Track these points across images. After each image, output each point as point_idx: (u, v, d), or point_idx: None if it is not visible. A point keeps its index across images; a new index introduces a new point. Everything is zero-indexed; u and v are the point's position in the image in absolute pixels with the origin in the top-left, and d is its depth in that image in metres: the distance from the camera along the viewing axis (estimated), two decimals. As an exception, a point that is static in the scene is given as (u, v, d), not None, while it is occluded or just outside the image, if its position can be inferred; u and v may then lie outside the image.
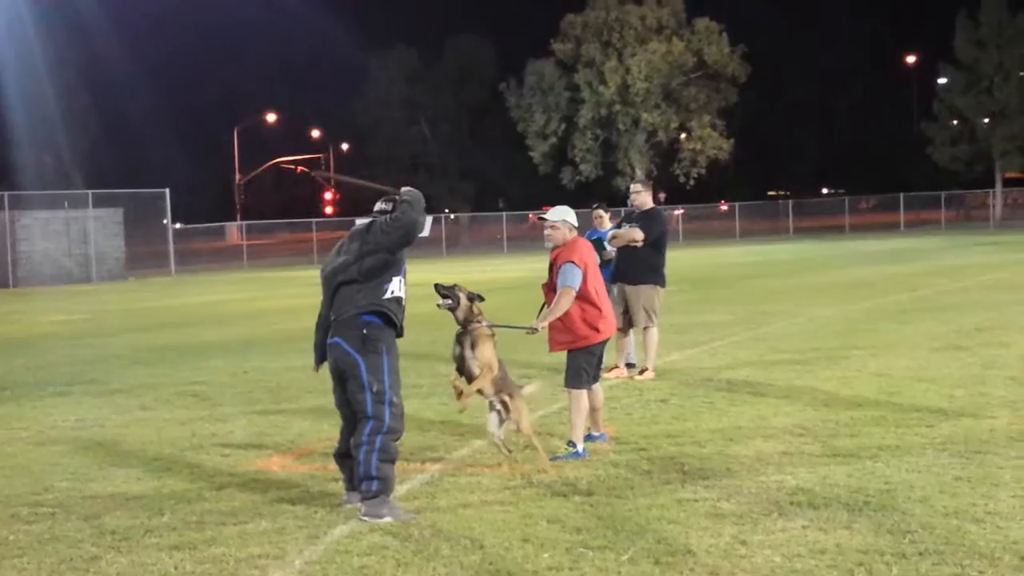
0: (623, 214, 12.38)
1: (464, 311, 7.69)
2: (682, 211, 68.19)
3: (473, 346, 7.64)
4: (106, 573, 5.82)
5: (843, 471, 7.35)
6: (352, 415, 6.92)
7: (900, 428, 8.64)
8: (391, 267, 6.89)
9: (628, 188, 12.53)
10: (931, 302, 19.04)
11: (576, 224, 8.55)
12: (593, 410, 8.51)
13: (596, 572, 5.54)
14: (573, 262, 8.20)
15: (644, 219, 11.82)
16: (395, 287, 6.91)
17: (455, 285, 7.81)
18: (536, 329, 8.17)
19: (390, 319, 6.87)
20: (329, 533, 6.37)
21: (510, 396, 7.82)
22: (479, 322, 7.70)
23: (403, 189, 6.95)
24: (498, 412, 7.84)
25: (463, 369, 7.70)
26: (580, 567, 5.62)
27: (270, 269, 48.04)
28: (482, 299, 7.85)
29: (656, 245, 11.80)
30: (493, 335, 7.75)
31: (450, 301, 7.69)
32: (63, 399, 11.91)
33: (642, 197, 11.97)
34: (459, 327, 7.74)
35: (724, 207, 72.16)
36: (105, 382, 13.12)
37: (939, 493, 6.74)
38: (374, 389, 6.75)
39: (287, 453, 8.69)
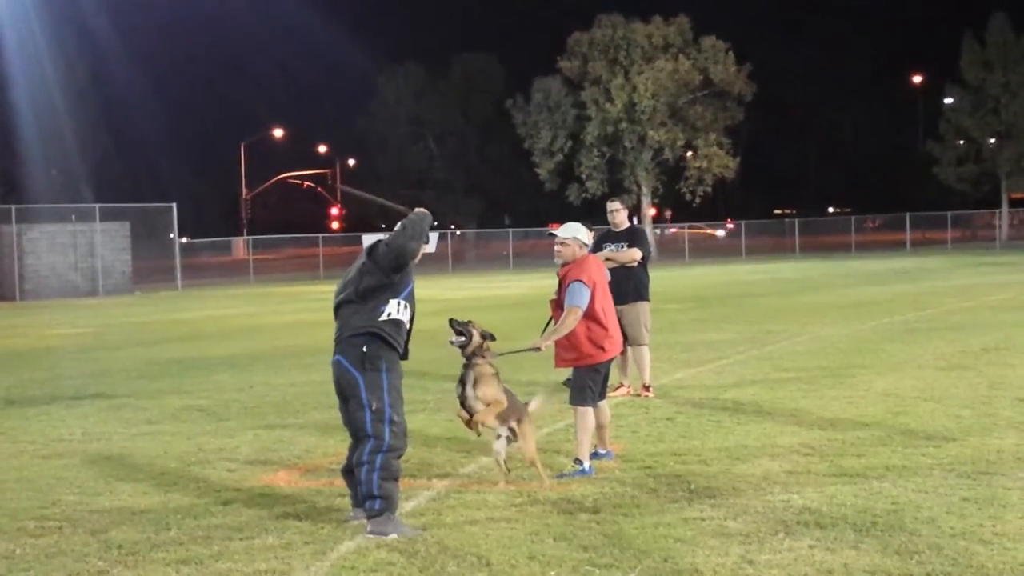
0: (602, 234, 11.85)
1: (474, 347, 7.69)
2: (731, 225, 68.26)
3: (475, 385, 7.64)
4: (112, 587, 5.83)
5: (850, 491, 7.34)
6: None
7: (907, 448, 8.62)
8: (388, 289, 6.88)
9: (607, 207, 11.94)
10: (937, 322, 19.02)
11: (587, 241, 8.58)
12: (600, 427, 8.51)
13: (603, 590, 5.54)
14: (582, 281, 8.21)
15: (633, 237, 11.74)
16: (392, 309, 6.88)
17: (469, 322, 7.80)
18: (540, 348, 8.22)
19: (387, 342, 6.88)
20: (335, 549, 6.37)
21: (518, 421, 7.81)
22: (483, 357, 7.69)
23: (415, 210, 6.99)
24: (507, 438, 7.85)
25: (466, 407, 7.70)
26: (587, 585, 5.61)
27: (276, 284, 48.08)
28: (494, 338, 7.84)
29: (644, 262, 11.78)
30: (496, 372, 7.73)
31: (463, 339, 7.68)
32: (69, 412, 11.92)
33: (622, 215, 11.79)
34: (463, 360, 7.74)
35: (730, 225, 72.13)
36: (111, 396, 13.13)
37: (946, 514, 6.73)
38: (373, 407, 6.75)
39: (293, 468, 8.69)
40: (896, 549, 6.04)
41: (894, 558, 5.90)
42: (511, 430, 7.79)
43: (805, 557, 5.96)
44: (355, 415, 6.83)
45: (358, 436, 6.87)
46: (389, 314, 6.87)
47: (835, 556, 5.95)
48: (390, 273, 6.88)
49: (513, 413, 7.80)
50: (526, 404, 8.12)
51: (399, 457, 6.86)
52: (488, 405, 7.61)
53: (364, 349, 6.79)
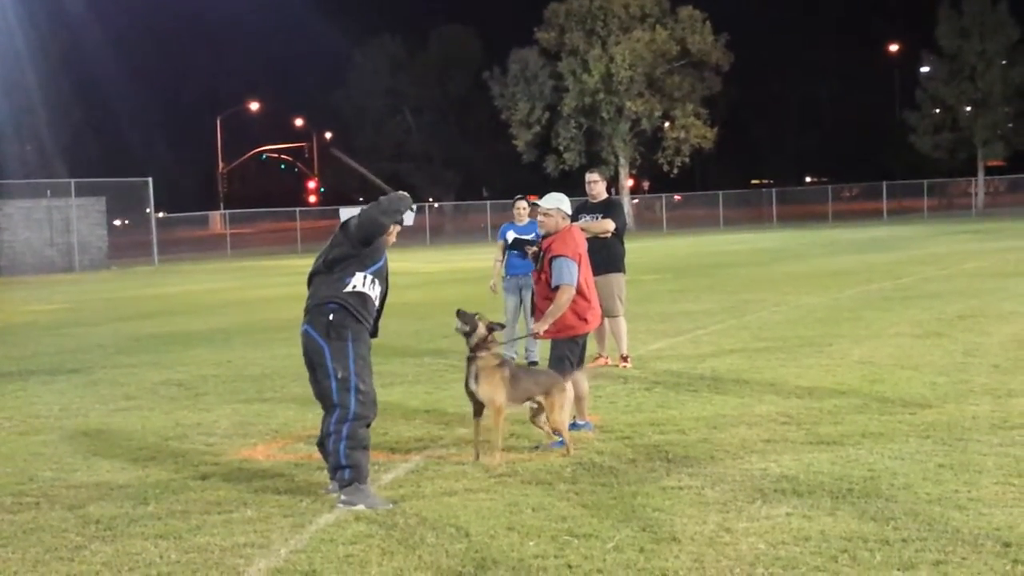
0: (578, 205, 11.93)
1: (478, 338, 7.65)
2: (679, 197, 68.26)
3: (477, 379, 7.61)
4: (91, 563, 5.80)
5: (827, 458, 7.38)
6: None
7: (883, 415, 8.68)
8: (354, 261, 6.88)
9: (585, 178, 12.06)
10: (913, 290, 19.12)
11: (569, 212, 8.58)
12: (578, 399, 8.52)
13: (581, 560, 5.55)
14: (568, 256, 8.20)
15: (609, 209, 11.74)
16: (358, 282, 6.87)
17: (476, 314, 7.77)
18: (539, 333, 8.25)
19: (352, 314, 6.86)
20: (314, 522, 6.37)
21: (546, 394, 7.80)
22: (487, 349, 7.65)
23: (397, 192, 6.99)
24: (532, 408, 7.89)
25: (475, 401, 7.68)
26: (565, 555, 5.63)
27: (253, 258, 47.88)
28: (501, 327, 7.85)
29: (620, 234, 11.78)
30: (500, 363, 7.69)
31: (467, 327, 7.65)
32: (46, 388, 11.86)
33: (600, 187, 11.81)
34: (468, 351, 7.72)
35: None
36: (88, 371, 13.07)
37: (922, 480, 6.77)
38: (339, 376, 6.75)
39: (272, 442, 8.67)
40: (872, 515, 6.08)
41: (871, 524, 5.94)
42: (537, 403, 7.82)
43: (782, 524, 5.99)
44: (322, 384, 6.84)
45: (326, 406, 6.88)
46: (354, 286, 6.86)
47: (812, 523, 5.99)
48: (358, 245, 6.87)
49: (535, 388, 7.79)
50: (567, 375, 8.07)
51: (367, 426, 6.85)
52: (489, 407, 7.60)
53: (331, 317, 6.79)
